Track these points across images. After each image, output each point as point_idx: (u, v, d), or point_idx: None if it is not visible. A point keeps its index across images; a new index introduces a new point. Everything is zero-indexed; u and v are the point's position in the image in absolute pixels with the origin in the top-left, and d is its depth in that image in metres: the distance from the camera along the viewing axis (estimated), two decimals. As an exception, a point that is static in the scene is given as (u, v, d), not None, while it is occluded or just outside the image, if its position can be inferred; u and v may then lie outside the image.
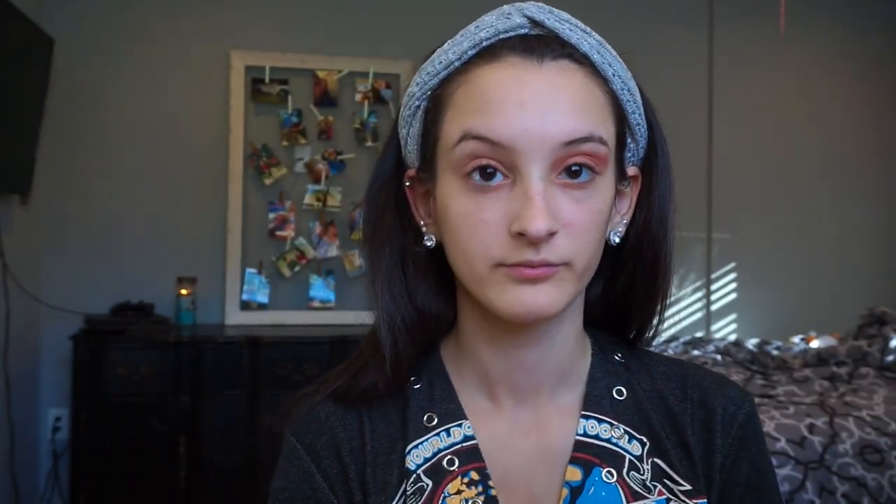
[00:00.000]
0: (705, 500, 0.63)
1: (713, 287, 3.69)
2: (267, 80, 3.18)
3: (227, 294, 3.13)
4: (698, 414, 0.67)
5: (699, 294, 3.68)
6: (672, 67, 3.55)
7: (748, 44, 3.71)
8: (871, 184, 3.86)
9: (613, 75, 0.62)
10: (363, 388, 0.67)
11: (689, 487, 0.63)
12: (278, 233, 3.19)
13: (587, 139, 0.58)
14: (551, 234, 0.57)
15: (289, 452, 0.68)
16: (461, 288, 0.67)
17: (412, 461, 0.64)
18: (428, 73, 0.64)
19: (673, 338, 3.21)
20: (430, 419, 0.66)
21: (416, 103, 0.65)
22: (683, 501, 0.62)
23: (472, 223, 0.59)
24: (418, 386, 0.68)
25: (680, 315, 3.65)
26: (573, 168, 0.59)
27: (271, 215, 3.18)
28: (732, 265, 3.71)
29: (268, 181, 3.18)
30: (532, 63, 0.59)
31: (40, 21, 2.75)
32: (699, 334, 3.56)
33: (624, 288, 0.70)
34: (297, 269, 3.19)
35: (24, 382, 2.81)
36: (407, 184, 0.68)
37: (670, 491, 0.63)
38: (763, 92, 3.73)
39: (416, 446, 0.65)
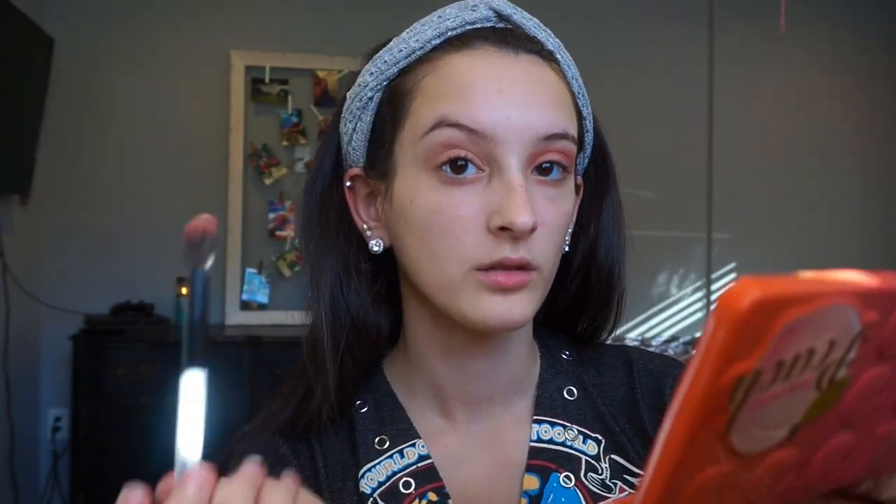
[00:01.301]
0: None
1: (713, 287, 3.69)
2: (267, 80, 3.18)
3: (227, 294, 3.12)
4: (649, 398, 0.66)
5: (699, 294, 3.67)
6: (672, 67, 3.55)
7: (748, 44, 3.71)
8: (871, 184, 3.86)
9: (572, 78, 0.61)
10: (309, 419, 0.63)
11: None
12: (278, 233, 3.19)
13: (563, 136, 0.56)
14: (532, 231, 0.54)
15: None
16: (411, 297, 0.63)
17: (367, 485, 0.61)
18: (385, 61, 0.59)
19: (673, 338, 3.21)
20: (382, 441, 0.62)
21: (369, 94, 0.60)
22: None
23: (446, 220, 0.55)
24: (365, 409, 0.64)
25: (680, 315, 3.65)
26: (544, 165, 0.56)
27: (271, 215, 3.18)
28: (732, 265, 3.70)
29: (268, 181, 3.18)
30: (508, 53, 0.56)
31: (40, 21, 2.75)
32: (699, 334, 3.56)
33: (574, 298, 0.68)
34: (297, 269, 3.19)
35: (24, 382, 2.81)
36: (348, 184, 0.63)
37: (631, 486, 0.61)
38: (763, 92, 3.73)
39: (369, 470, 0.61)
